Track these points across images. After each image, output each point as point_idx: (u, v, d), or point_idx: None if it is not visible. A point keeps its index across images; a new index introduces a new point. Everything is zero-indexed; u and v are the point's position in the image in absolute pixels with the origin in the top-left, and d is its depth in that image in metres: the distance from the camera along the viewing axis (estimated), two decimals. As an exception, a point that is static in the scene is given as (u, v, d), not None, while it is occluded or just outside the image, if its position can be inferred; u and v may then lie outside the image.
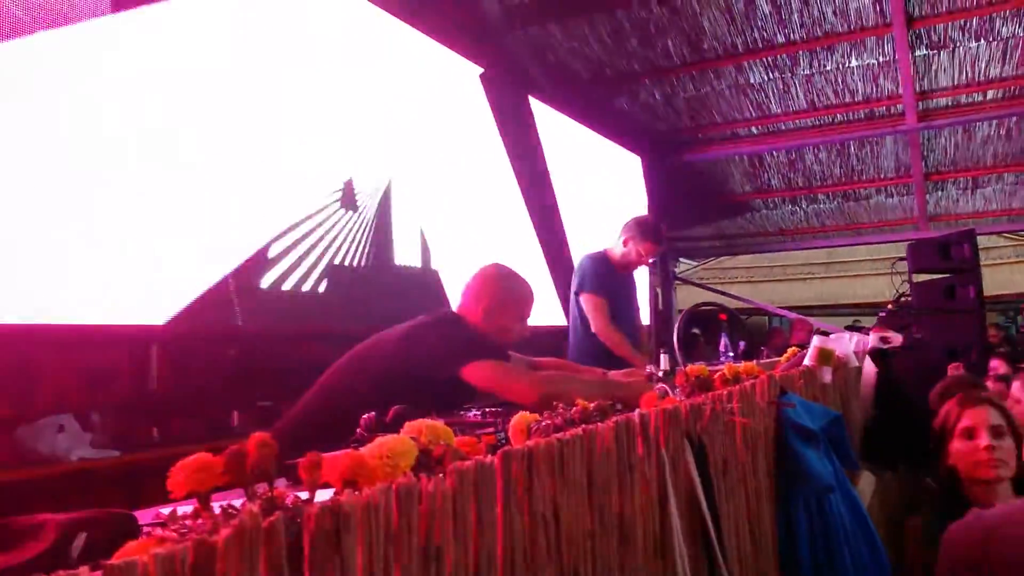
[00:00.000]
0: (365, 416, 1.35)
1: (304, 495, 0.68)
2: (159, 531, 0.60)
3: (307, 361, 2.71)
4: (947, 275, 4.92)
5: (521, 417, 1.17)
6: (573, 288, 3.51)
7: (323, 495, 0.63)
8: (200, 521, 0.63)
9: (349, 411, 1.34)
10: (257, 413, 3.17)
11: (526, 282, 2.30)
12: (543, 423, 1.14)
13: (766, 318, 9.66)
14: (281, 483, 1.04)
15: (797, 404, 1.74)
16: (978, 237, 4.92)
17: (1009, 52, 5.46)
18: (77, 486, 2.51)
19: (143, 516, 0.84)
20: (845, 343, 3.35)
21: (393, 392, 1.46)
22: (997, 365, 3.79)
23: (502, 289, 2.20)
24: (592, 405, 1.23)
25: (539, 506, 0.75)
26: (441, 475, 0.64)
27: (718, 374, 1.86)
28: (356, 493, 0.56)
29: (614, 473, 0.92)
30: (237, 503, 0.64)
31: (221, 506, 0.66)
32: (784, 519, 1.53)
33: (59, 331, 2.56)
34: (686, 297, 7.67)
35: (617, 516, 0.91)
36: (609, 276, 3.45)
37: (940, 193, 7.22)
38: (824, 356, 2.50)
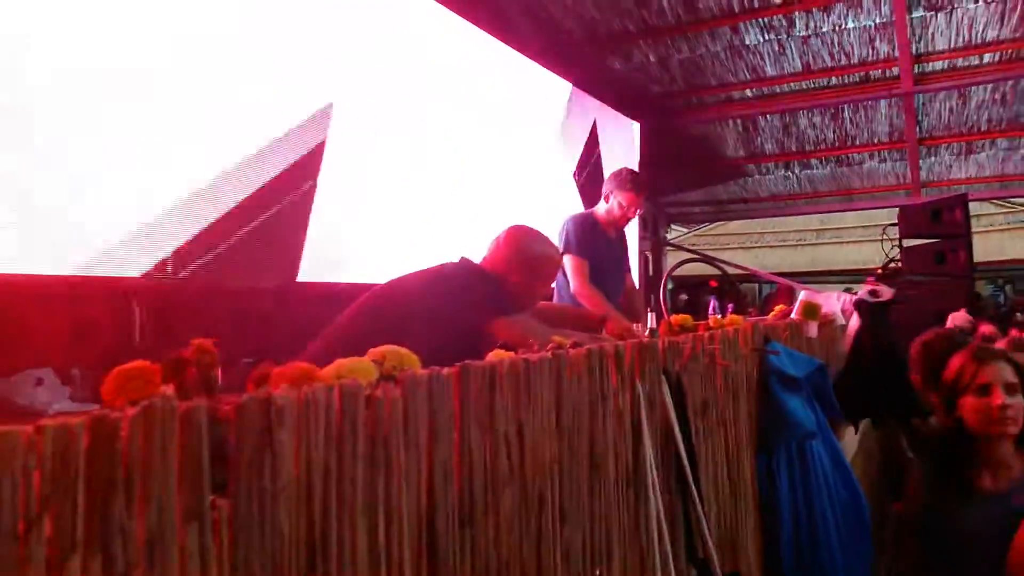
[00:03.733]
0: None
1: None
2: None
3: (292, 317, 2.65)
4: (938, 240, 4.89)
5: (495, 353, 1.14)
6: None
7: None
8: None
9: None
10: (242, 370, 3.13)
11: (553, 247, 2.29)
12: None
13: (756, 285, 9.64)
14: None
15: (781, 352, 1.71)
16: (970, 204, 4.88)
17: (1007, 14, 5.36)
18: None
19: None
20: (833, 301, 3.34)
21: (406, 340, 1.41)
22: (986, 329, 3.79)
23: (534, 257, 2.17)
24: (569, 341, 1.20)
25: (501, 424, 0.72)
26: (391, 382, 0.61)
27: (702, 324, 1.84)
28: (294, 389, 0.52)
29: (585, 401, 0.89)
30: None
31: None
32: (765, 463, 1.52)
33: (39, 282, 2.50)
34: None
35: (588, 444, 0.88)
36: (593, 236, 3.41)
37: (933, 159, 7.17)
38: (810, 310, 2.48)
